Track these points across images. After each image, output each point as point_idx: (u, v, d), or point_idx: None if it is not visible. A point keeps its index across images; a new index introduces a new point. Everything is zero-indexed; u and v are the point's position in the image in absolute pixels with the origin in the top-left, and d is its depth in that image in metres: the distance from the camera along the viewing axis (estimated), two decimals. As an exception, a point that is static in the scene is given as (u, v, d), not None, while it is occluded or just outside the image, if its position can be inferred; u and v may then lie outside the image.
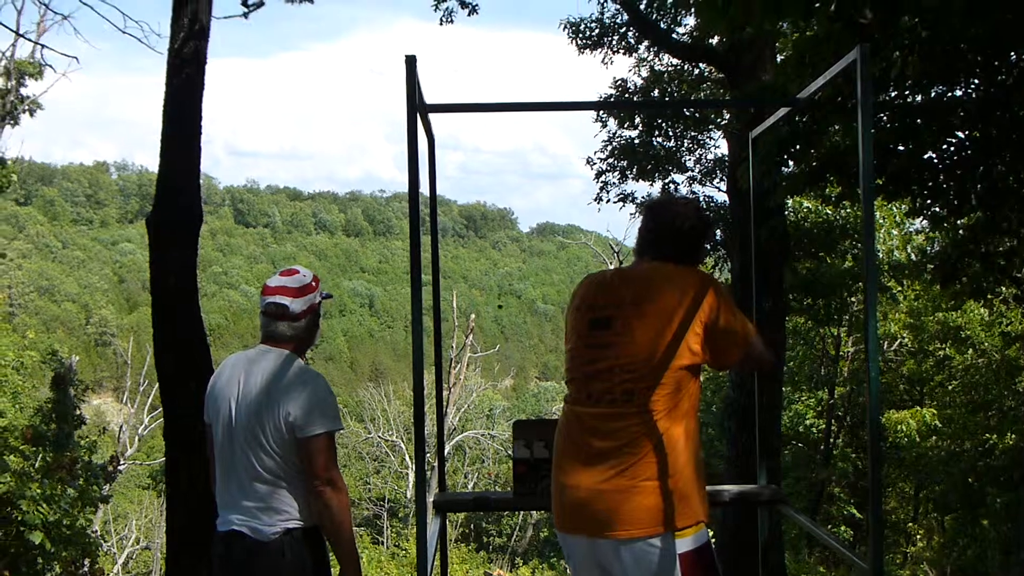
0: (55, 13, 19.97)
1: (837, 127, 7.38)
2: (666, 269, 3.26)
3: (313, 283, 3.77)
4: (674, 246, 3.32)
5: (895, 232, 16.08)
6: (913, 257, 15.45)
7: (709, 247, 3.24)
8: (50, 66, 20.72)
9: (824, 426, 20.61)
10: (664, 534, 3.05)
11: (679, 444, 3.09)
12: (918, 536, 21.15)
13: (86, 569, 9.32)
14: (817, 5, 6.04)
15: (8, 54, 22.35)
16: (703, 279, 3.21)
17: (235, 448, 3.59)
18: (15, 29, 20.70)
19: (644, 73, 15.05)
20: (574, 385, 3.30)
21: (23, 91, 23.44)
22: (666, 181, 14.55)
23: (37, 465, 10.71)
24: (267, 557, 3.54)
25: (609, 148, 14.72)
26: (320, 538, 3.63)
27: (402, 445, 32.83)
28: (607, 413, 3.15)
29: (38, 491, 8.18)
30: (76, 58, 21.43)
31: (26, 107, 23.49)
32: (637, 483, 3.06)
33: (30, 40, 21.19)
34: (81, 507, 9.28)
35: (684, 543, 3.08)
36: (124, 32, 9.95)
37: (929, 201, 7.65)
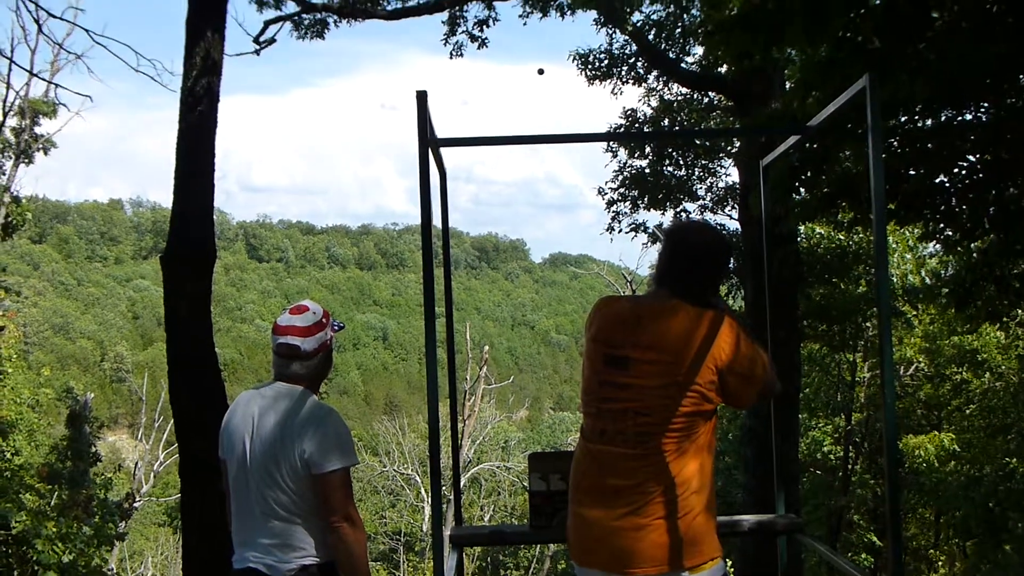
0: (69, 52, 20.13)
1: (848, 153, 7.38)
2: (680, 308, 3.18)
3: (324, 319, 3.75)
4: (696, 279, 3.26)
5: (908, 256, 16.04)
6: (927, 281, 15.40)
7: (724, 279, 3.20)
8: (64, 105, 21.00)
9: (842, 453, 20.47)
10: (680, 572, 3.04)
11: (693, 483, 3.08)
12: (940, 563, 20.95)
13: (103, 607, 9.30)
14: (823, 33, 6.06)
15: (22, 93, 22.57)
16: (715, 320, 3.15)
17: (250, 485, 3.58)
18: (29, 68, 20.94)
19: (654, 103, 15.11)
20: (589, 420, 3.27)
21: (37, 130, 23.65)
22: (677, 210, 14.57)
23: (53, 503, 10.71)
24: None
25: (620, 178, 14.76)
26: (336, 574, 3.61)
27: (417, 478, 32.75)
28: (621, 453, 3.13)
29: (53, 530, 8.16)
30: (90, 97, 21.50)
31: (40, 145, 23.68)
32: (651, 521, 3.05)
33: (44, 79, 21.43)
34: (97, 545, 9.25)
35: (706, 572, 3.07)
36: (137, 70, 10.00)
37: (942, 225, 7.64)
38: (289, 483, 3.50)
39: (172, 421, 8.05)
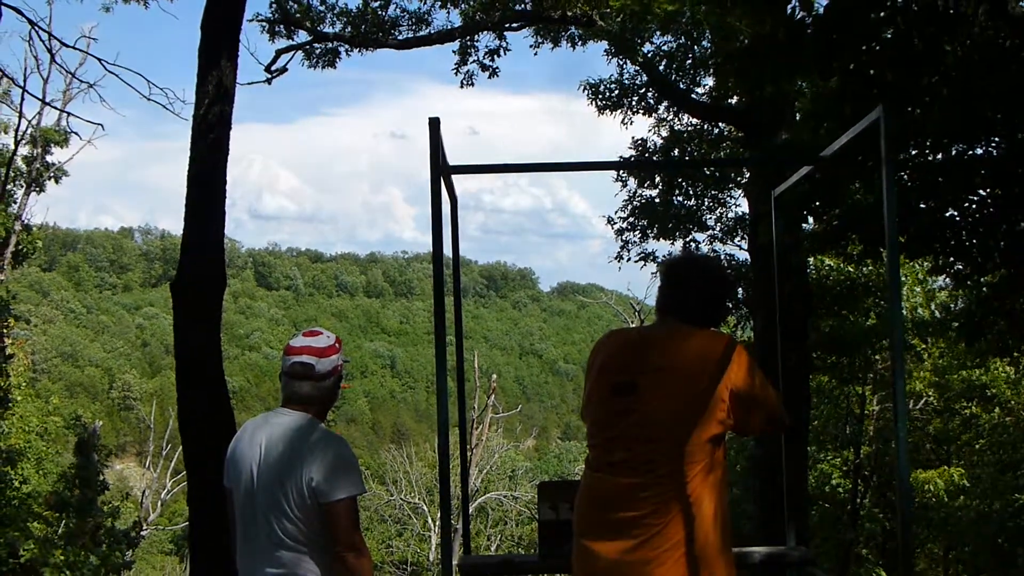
0: (81, 81, 20.20)
1: (858, 185, 7.39)
2: (690, 333, 3.20)
3: (336, 344, 3.75)
4: (695, 305, 3.27)
5: (918, 289, 16.01)
6: (937, 314, 15.36)
7: (731, 305, 3.21)
8: (76, 133, 21.13)
9: (850, 486, 20.34)
10: None
11: (703, 513, 3.02)
12: (949, 598, 20.77)
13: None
14: (835, 65, 6.08)
15: (35, 122, 22.70)
16: (728, 344, 3.14)
17: (256, 513, 3.56)
18: (42, 97, 21.07)
19: (664, 133, 15.14)
20: (595, 451, 3.24)
21: (49, 158, 23.80)
22: (687, 239, 14.56)
23: (60, 532, 10.70)
24: None
25: (630, 207, 14.77)
26: None
27: (424, 507, 32.59)
28: (628, 484, 3.08)
29: (61, 558, 8.17)
30: (101, 125, 21.74)
31: (52, 174, 23.82)
32: (659, 553, 2.99)
33: (56, 108, 21.53)
34: (104, 574, 9.24)
35: None
36: (149, 99, 10.09)
37: (952, 259, 7.63)
38: (296, 512, 3.48)
39: (180, 449, 8.05)
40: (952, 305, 14.73)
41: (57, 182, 24.06)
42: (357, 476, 3.54)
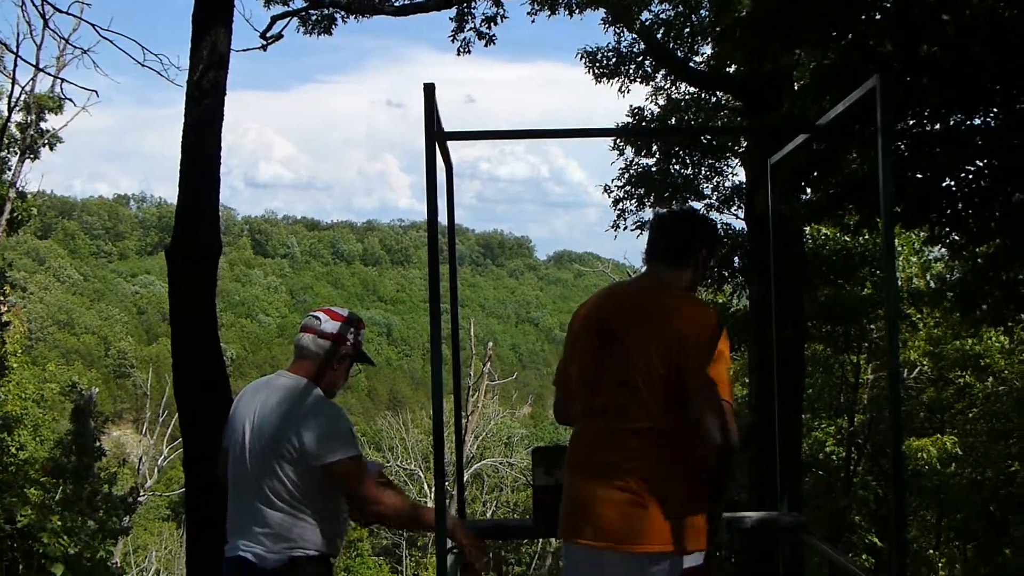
0: (74, 47, 20.06)
1: (855, 155, 7.37)
2: (670, 291, 3.32)
3: (350, 317, 3.81)
4: (675, 243, 3.41)
5: (914, 260, 16.03)
6: (932, 285, 15.39)
7: (708, 250, 3.18)
8: (70, 100, 20.92)
9: (844, 454, 20.46)
10: (668, 553, 3.07)
11: (672, 466, 3.12)
12: (940, 564, 20.94)
13: (106, 601, 9.32)
14: (834, 34, 6.06)
15: (28, 89, 22.56)
16: (716, 325, 3.21)
17: (247, 473, 3.60)
18: (35, 64, 20.95)
19: (661, 101, 15.08)
20: (581, 396, 3.37)
21: (43, 125, 23.64)
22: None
23: (57, 498, 10.74)
24: None
25: (626, 176, 14.75)
26: (329, 568, 3.64)
27: (420, 474, 32.75)
28: (607, 427, 3.20)
29: (59, 523, 8.18)
30: (96, 92, 21.43)
31: (46, 141, 23.67)
32: (636, 498, 3.09)
33: (50, 74, 21.43)
34: (101, 539, 9.28)
35: (688, 560, 3.10)
36: (143, 65, 9.99)
37: (948, 229, 7.62)
38: (287, 472, 3.51)
39: (176, 416, 8.06)
40: (948, 275, 14.75)
41: (52, 149, 23.92)
42: (350, 439, 3.57)
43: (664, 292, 3.32)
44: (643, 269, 3.55)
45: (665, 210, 3.86)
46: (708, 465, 3.06)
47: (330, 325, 3.74)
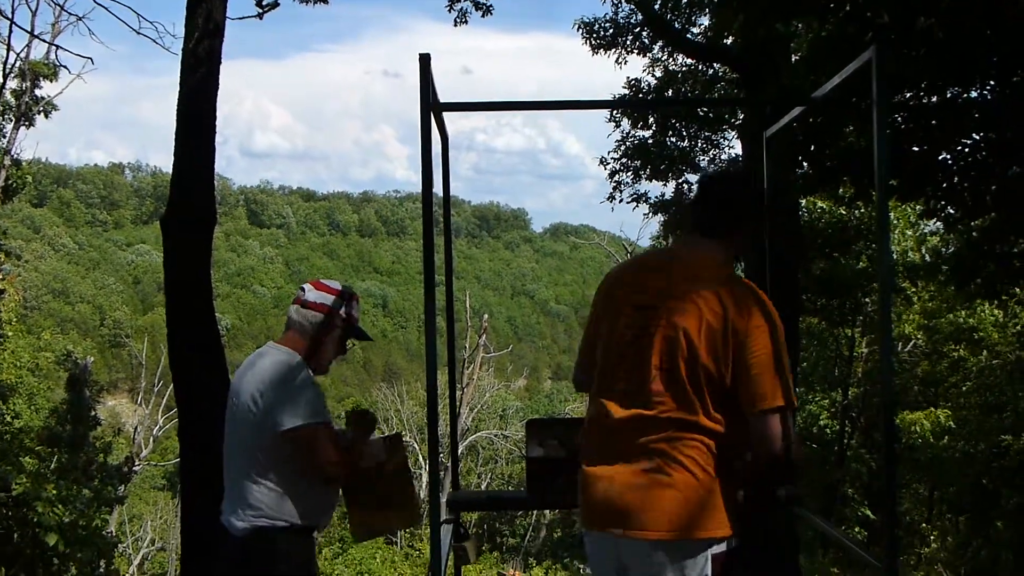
0: (69, 14, 19.95)
1: (852, 128, 7.36)
2: (714, 269, 3.04)
3: (343, 295, 3.79)
4: (715, 212, 3.12)
5: (909, 233, 16.03)
6: (927, 258, 15.40)
7: (755, 224, 2.93)
8: (65, 67, 20.76)
9: (838, 427, 20.54)
10: (694, 540, 2.91)
11: (706, 449, 2.90)
12: (932, 537, 21.04)
13: (102, 570, 9.34)
14: (831, 6, 6.03)
15: (23, 55, 22.44)
16: (754, 299, 2.98)
17: (228, 442, 3.65)
18: (30, 30, 20.80)
19: (658, 73, 15.03)
20: (603, 376, 3.12)
21: (38, 92, 23.53)
22: (680, 181, 14.52)
23: (52, 466, 10.75)
24: (236, 552, 3.58)
25: (623, 148, 14.71)
26: (304, 539, 3.64)
27: (415, 445, 32.86)
28: (634, 410, 2.97)
29: (53, 492, 8.18)
30: (91, 59, 21.38)
31: (41, 108, 23.56)
32: (664, 481, 2.89)
33: (45, 41, 21.26)
34: (96, 508, 9.29)
35: (715, 547, 2.95)
36: (139, 33, 9.98)
37: (944, 202, 7.63)
38: (255, 441, 3.54)
39: (171, 386, 8.07)
40: (943, 249, 14.75)
41: (47, 116, 23.80)
42: (310, 407, 3.53)
43: (705, 268, 3.04)
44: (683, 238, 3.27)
45: (711, 172, 3.42)
46: (756, 467, 2.90)
47: (314, 295, 3.74)
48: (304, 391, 3.55)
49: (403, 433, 33.21)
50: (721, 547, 2.95)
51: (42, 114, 23.63)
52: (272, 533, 3.54)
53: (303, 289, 3.77)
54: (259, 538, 3.54)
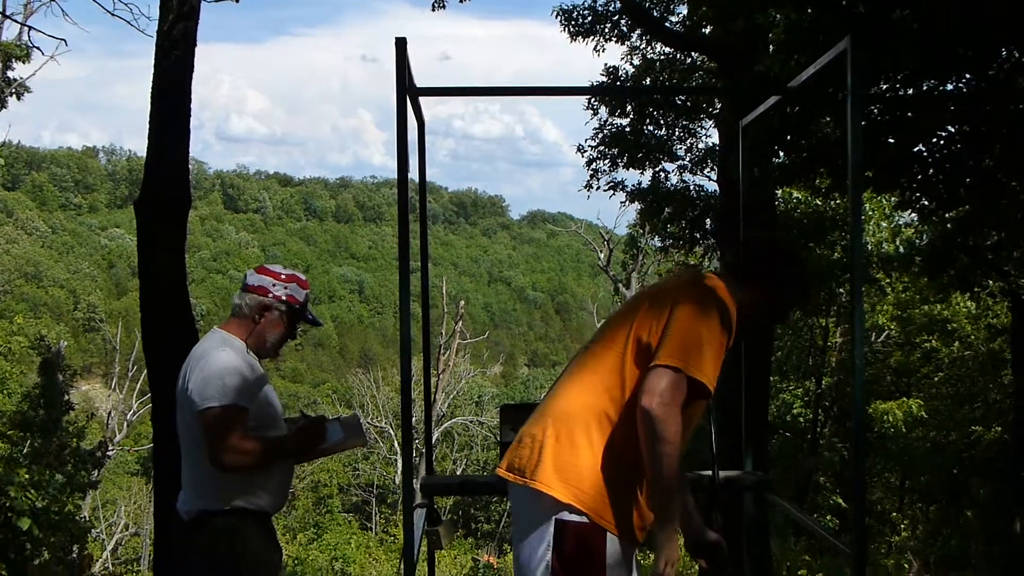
0: (43, -6, 19.77)
1: (828, 118, 7.39)
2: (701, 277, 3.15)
3: (281, 277, 3.75)
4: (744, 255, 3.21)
5: (884, 224, 16.12)
6: (901, 249, 15.49)
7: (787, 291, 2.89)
8: (38, 48, 20.54)
9: (811, 416, 20.67)
10: (562, 501, 2.84)
11: (604, 426, 2.89)
12: (903, 526, 21.25)
13: (75, 555, 9.32)
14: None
15: (-5, 36, 22.19)
16: (699, 285, 3.08)
17: (179, 426, 3.63)
18: (2, 10, 20.57)
19: (636, 61, 15.02)
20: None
21: (10, 74, 23.28)
22: (656, 169, 14.52)
23: (25, 451, 10.69)
24: (184, 536, 3.58)
25: (600, 136, 14.71)
26: (240, 523, 3.56)
27: (391, 431, 32.86)
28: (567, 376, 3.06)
29: (26, 477, 8.15)
30: (64, 40, 21.15)
31: (13, 90, 23.31)
32: (559, 441, 2.89)
33: (17, 21, 21.03)
34: (70, 493, 9.25)
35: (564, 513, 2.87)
36: (114, 15, 9.89)
37: (918, 194, 7.67)
38: (189, 425, 3.53)
39: (145, 371, 8.03)
40: (917, 241, 14.84)
41: (19, 99, 23.53)
42: (224, 388, 3.47)
43: (691, 278, 3.14)
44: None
45: (759, 235, 3.44)
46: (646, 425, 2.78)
47: (254, 279, 3.74)
48: (226, 374, 3.49)
49: (380, 418, 33.19)
50: (575, 517, 2.85)
51: (14, 96, 23.37)
52: (213, 517, 3.51)
53: (247, 274, 3.77)
54: (199, 522, 3.53)
